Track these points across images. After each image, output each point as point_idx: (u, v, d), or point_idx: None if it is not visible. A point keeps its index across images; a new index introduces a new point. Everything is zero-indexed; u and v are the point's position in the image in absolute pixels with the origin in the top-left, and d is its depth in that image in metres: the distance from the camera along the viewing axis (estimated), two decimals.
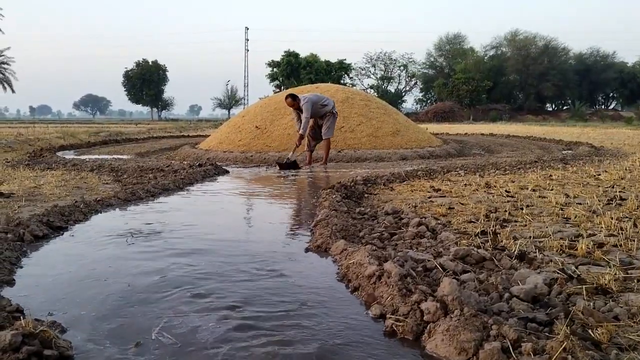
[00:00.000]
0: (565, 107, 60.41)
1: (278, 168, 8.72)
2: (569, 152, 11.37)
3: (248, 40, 73.94)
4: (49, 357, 1.67)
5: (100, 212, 4.44)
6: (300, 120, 8.95)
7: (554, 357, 1.49)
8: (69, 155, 11.87)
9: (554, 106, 63.37)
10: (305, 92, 10.15)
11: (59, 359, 1.71)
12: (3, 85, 60.18)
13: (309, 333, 1.94)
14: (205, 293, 2.40)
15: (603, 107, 62.47)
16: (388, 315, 2.03)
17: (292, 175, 7.74)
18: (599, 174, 6.43)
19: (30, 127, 26.17)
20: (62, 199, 4.94)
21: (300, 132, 8.92)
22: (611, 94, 63.60)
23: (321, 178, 7.48)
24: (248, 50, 73.58)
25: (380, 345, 1.85)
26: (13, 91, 60.98)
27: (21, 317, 1.88)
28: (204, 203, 5.26)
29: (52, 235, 3.57)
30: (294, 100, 8.94)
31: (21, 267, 2.83)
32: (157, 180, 6.28)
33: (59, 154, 12.08)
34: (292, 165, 8.76)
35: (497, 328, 1.73)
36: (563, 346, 1.52)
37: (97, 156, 11.38)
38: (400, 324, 1.94)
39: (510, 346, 1.62)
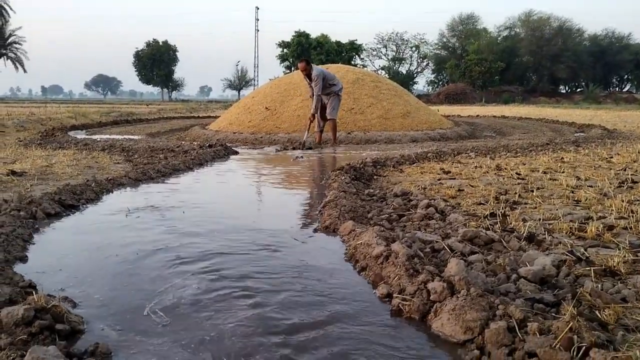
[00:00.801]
0: (578, 90, 59.62)
1: (301, 148, 8.75)
2: (582, 134, 11.27)
3: (258, 20, 73.56)
4: (61, 331, 1.70)
5: (112, 192, 4.48)
6: (312, 88, 8.97)
7: (560, 337, 1.49)
8: (81, 135, 11.95)
9: (567, 88, 62.51)
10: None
11: (71, 333, 1.74)
12: (15, 64, 60.53)
13: (316, 312, 1.96)
14: (210, 267, 2.44)
15: (617, 89, 61.57)
16: (395, 295, 2.04)
17: (302, 156, 7.74)
18: (611, 157, 6.37)
19: (42, 107, 26.33)
20: (73, 178, 4.99)
21: (312, 111, 9.02)
22: (626, 76, 62.60)
23: (330, 159, 7.47)
24: (258, 31, 73.18)
25: (387, 324, 1.87)
26: (25, 71, 61.40)
27: (33, 292, 1.91)
28: (214, 183, 5.28)
29: (64, 214, 3.62)
30: (307, 65, 8.94)
31: (33, 244, 2.87)
32: (168, 161, 6.31)
33: (71, 133, 12.16)
34: (306, 147, 8.86)
35: (503, 308, 1.73)
36: (569, 326, 1.52)
37: (108, 136, 11.44)
38: (407, 303, 1.95)
39: (516, 326, 1.63)
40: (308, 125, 9.14)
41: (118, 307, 2.00)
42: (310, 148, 8.84)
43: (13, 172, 5.08)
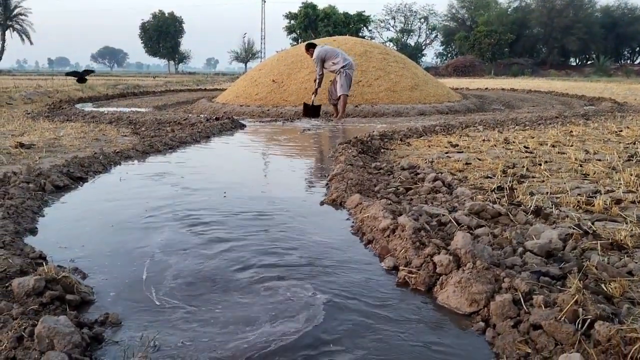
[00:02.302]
0: (589, 62, 58.67)
1: (303, 111, 9.55)
2: (591, 107, 11.13)
3: None
4: (71, 301, 1.73)
5: (119, 164, 4.50)
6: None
7: (565, 309, 1.50)
8: (88, 107, 11.93)
9: (577, 61, 61.54)
10: (324, 45, 10.02)
11: (81, 303, 1.77)
12: (21, 36, 60.28)
13: (323, 279, 1.97)
14: (217, 237, 2.47)
15: (629, 61, 60.54)
16: (401, 267, 2.05)
17: (309, 129, 7.71)
18: (621, 130, 6.31)
19: (49, 79, 26.22)
20: (81, 151, 5.01)
21: (316, 86, 9.35)
22: (638, 48, 61.40)
23: (338, 132, 7.45)
24: (265, 2, 72.23)
25: (393, 295, 1.88)
26: (31, 43, 61.14)
27: (44, 264, 1.94)
28: (221, 156, 5.29)
29: (72, 186, 3.64)
30: (306, 51, 9.43)
31: (43, 216, 2.90)
32: (175, 133, 6.31)
33: (78, 106, 12.14)
34: (316, 110, 9.46)
35: (509, 281, 1.74)
36: (575, 299, 1.53)
37: (115, 109, 11.42)
38: (413, 275, 1.97)
39: (521, 298, 1.64)
40: (313, 95, 9.49)
41: (128, 277, 2.03)
42: (319, 107, 9.50)
43: (21, 145, 5.10)
